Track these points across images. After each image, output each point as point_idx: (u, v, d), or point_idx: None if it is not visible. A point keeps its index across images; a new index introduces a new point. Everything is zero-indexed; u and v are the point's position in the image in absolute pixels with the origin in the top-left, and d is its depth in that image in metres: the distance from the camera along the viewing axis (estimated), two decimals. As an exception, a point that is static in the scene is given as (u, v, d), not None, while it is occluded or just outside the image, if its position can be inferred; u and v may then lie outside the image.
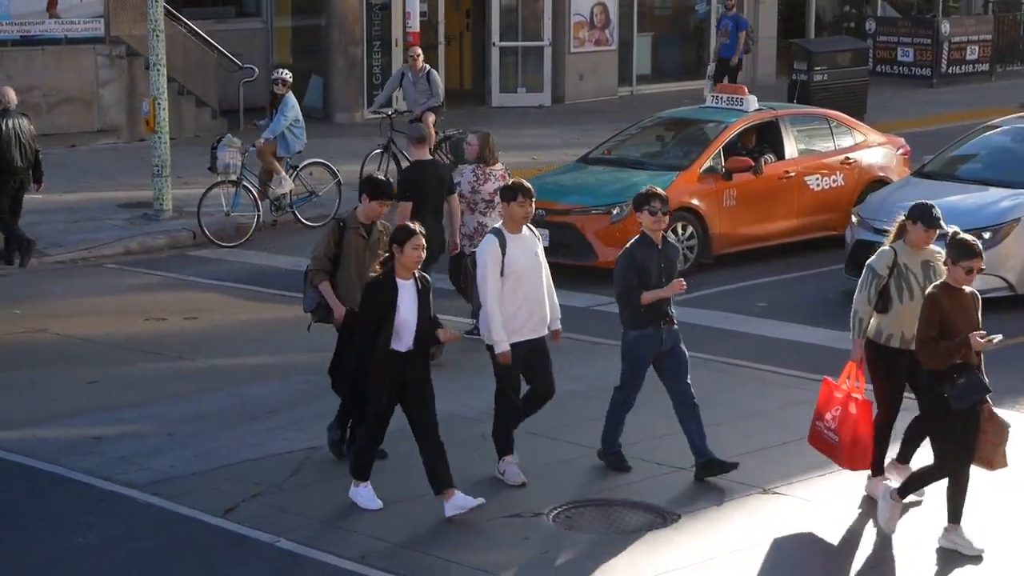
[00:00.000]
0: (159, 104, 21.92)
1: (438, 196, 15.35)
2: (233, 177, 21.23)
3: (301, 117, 21.83)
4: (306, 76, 31.15)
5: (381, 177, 12.84)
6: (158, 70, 21.97)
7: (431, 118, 23.24)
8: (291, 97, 21.75)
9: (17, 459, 12.74)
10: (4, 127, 19.36)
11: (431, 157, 15.94)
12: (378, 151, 23.18)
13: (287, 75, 21.89)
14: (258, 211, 21.41)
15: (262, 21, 31.04)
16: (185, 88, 27.97)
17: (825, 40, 33.00)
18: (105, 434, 13.34)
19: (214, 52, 28.33)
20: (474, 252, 14.16)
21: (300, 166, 22.03)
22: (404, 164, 23.29)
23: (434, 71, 23.70)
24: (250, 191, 21.40)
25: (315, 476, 12.36)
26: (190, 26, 28.02)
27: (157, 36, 21.89)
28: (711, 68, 30.35)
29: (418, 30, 25.45)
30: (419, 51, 23.67)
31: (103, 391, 14.59)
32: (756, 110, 20.09)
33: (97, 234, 21.35)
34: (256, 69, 28.78)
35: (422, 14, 30.72)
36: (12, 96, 19.83)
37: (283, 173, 21.68)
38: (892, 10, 38.39)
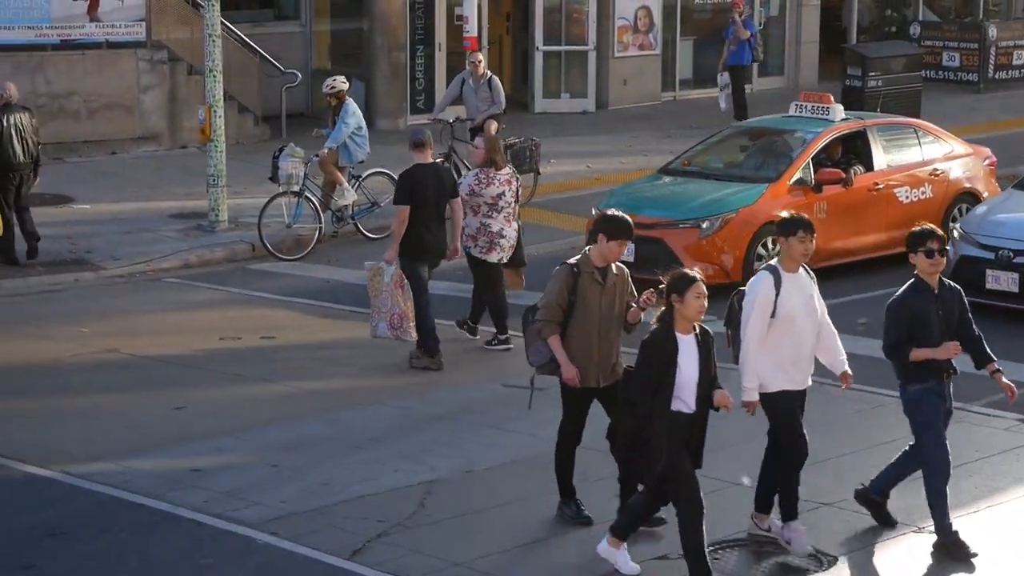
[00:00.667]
0: (215, 111, 21.18)
1: (439, 200, 15.10)
2: (295, 188, 20.49)
3: (364, 125, 21.09)
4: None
5: (618, 214, 11.22)
6: (214, 76, 21.26)
7: (493, 126, 22.50)
8: (352, 104, 21.01)
9: (117, 494, 12.01)
10: (5, 122, 19.02)
11: (431, 161, 15.51)
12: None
13: (341, 82, 21.08)
14: (320, 223, 20.67)
15: (300, 24, 30.25)
16: (227, 93, 27.13)
17: (879, 45, 32.25)
18: (204, 465, 12.62)
19: (256, 56, 27.55)
20: (478, 253, 15.48)
21: (363, 176, 21.28)
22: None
23: (496, 77, 22.94)
24: (312, 202, 20.66)
25: (440, 513, 11.61)
26: (232, 29, 27.22)
27: (213, 41, 21.17)
28: (722, 78, 28.83)
29: (476, 34, 24.65)
30: (480, 56, 22.91)
31: (192, 417, 13.86)
32: (843, 119, 19.38)
33: (153, 246, 20.59)
34: (299, 74, 28.04)
35: (463, 17, 30.06)
36: (13, 90, 19.54)
37: (346, 184, 20.94)
38: (931, 14, 37.66)
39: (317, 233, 20.64)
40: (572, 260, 11.21)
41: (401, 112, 29.12)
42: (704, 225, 17.82)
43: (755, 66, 31.42)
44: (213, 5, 21.03)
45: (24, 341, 16.48)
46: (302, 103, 29.09)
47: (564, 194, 23.80)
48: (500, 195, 15.67)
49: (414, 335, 15.09)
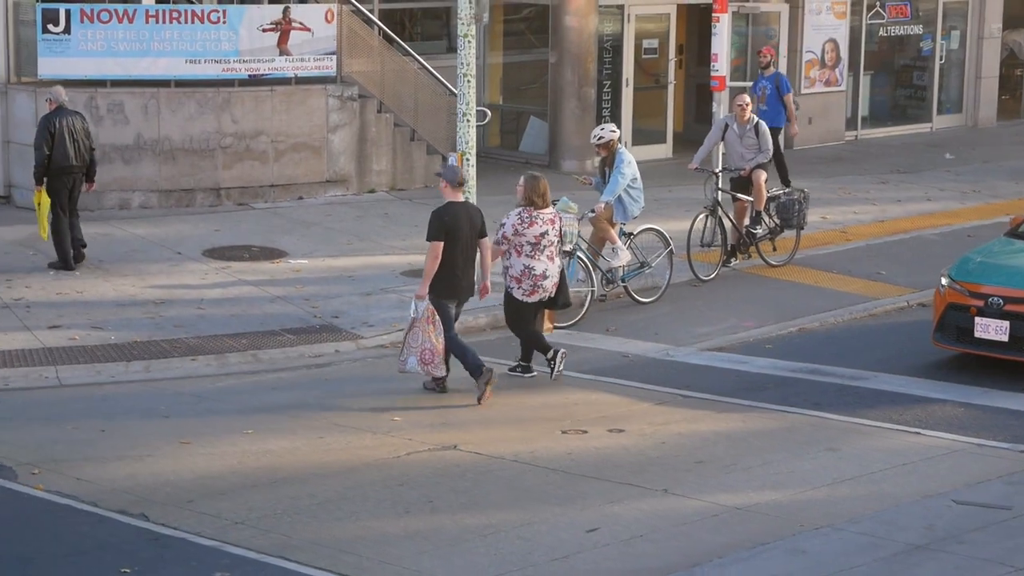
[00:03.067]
0: (467, 159, 18.90)
1: (470, 238, 15.19)
2: (568, 247, 18.21)
3: (639, 176, 18.83)
4: (515, 117, 28.31)
5: None
6: (467, 120, 18.96)
7: (762, 176, 20.30)
8: (626, 153, 18.78)
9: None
10: (57, 124, 19.18)
11: (463, 199, 15.49)
12: (703, 214, 20.14)
13: (611, 131, 18.80)
14: (592, 286, 18.43)
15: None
16: (415, 133, 24.95)
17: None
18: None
19: (446, 92, 25.29)
20: (521, 295, 15.52)
21: (635, 233, 19.03)
22: (731, 229, 20.40)
23: (762, 123, 20.69)
24: (584, 263, 18.41)
25: None
26: (423, 64, 24.99)
27: (468, 82, 18.89)
28: None
29: (724, 73, 22.42)
30: (747, 99, 20.66)
31: (615, 543, 11.53)
32: None
33: (404, 310, 18.27)
34: (488, 112, 25.67)
35: (651, 51, 27.95)
36: (64, 95, 19.66)
37: (619, 242, 18.69)
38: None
39: (589, 297, 18.40)
40: None
41: (589, 152, 26.82)
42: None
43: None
44: (469, 41, 18.73)
45: (339, 433, 14.19)
46: (481, 142, 26.80)
47: (818, 250, 21.62)
48: (543, 234, 15.65)
49: (444, 371, 15.13)
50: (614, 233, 18.65)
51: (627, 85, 27.50)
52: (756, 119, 20.61)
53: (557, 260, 15.82)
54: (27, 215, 22.35)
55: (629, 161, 18.63)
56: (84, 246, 19.79)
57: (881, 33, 31.16)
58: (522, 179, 15.97)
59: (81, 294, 18.69)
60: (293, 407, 15.04)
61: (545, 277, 15.67)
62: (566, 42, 26.50)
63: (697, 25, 29.21)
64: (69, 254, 19.54)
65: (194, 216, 22.62)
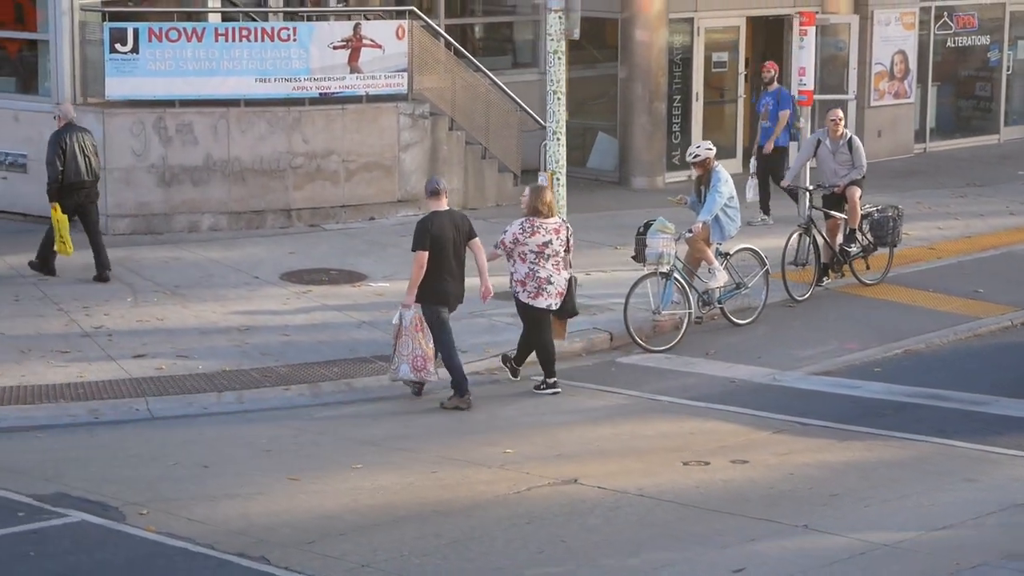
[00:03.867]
0: (557, 179, 18.39)
1: (457, 245, 15.39)
2: (665, 268, 17.71)
3: (735, 194, 18.29)
4: (581, 133, 27.77)
5: None
6: (558, 139, 18.45)
7: (857, 193, 19.74)
8: (723, 171, 18.25)
9: None
10: (67, 140, 19.26)
11: (447, 208, 15.55)
12: (796, 232, 19.60)
13: (707, 149, 18.28)
14: (689, 308, 17.89)
15: (539, 73, 27.43)
16: (486, 151, 24.45)
17: None
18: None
19: (516, 108, 24.80)
20: (527, 298, 15.76)
21: (731, 253, 18.49)
22: (824, 247, 19.85)
23: (856, 138, 20.15)
24: (681, 284, 17.88)
25: None
26: (494, 80, 24.49)
27: (558, 99, 18.37)
28: (753, 163, 23.09)
29: (812, 88, 21.86)
30: (840, 114, 20.11)
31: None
32: None
33: (498, 336, 17.85)
34: (559, 128, 25.21)
35: (719, 64, 27.42)
36: (72, 111, 19.91)
37: (716, 263, 18.15)
38: None
39: (686, 319, 17.86)
40: None
41: (660, 170, 26.39)
42: None
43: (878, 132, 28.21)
44: (559, 58, 18.21)
45: (452, 467, 13.65)
46: (533, 158, 26.20)
47: (908, 267, 21.05)
48: (547, 243, 15.71)
49: (435, 376, 15.45)
50: (711, 253, 18.11)
51: (697, 99, 26.98)
52: (849, 134, 20.06)
53: (564, 272, 15.85)
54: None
55: (726, 179, 18.10)
56: (108, 268, 19.66)
57: (948, 44, 30.59)
58: (527, 189, 16.13)
59: (162, 321, 18.20)
60: (398, 439, 14.53)
61: (549, 282, 15.77)
62: (636, 56, 25.99)
63: (763, 38, 28.66)
64: (51, 258, 19.55)
65: (266, 238, 22.13)
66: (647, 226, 17.77)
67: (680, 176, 26.55)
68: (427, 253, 15.20)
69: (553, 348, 16.05)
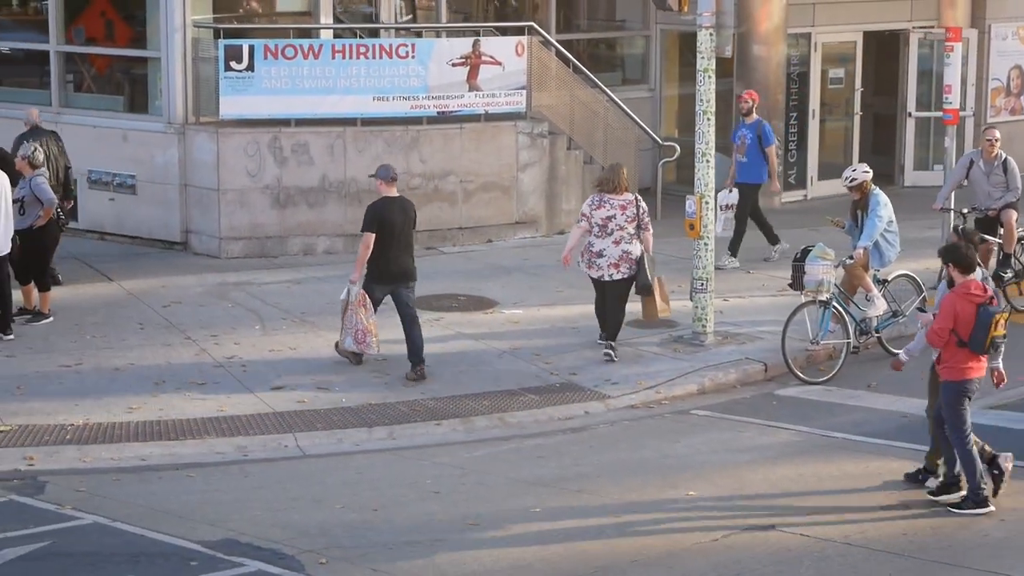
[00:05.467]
0: (706, 203, 17.62)
1: (404, 230, 16.32)
2: (824, 296, 16.92)
3: (894, 218, 17.48)
4: (692, 151, 26.93)
5: None
6: (706, 160, 17.72)
7: (1013, 216, 18.93)
8: (881, 194, 17.44)
9: None
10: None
11: (398, 195, 16.48)
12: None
13: (863, 172, 17.44)
14: (847, 337, 17.09)
15: (649, 89, 26.81)
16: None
17: None
18: None
19: (633, 126, 24.06)
20: (584, 267, 17.00)
21: (889, 279, 17.69)
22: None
23: (1011, 159, 19.32)
24: (839, 312, 17.08)
25: None
26: (612, 98, 23.74)
27: (708, 119, 17.68)
28: (724, 195, 20.69)
29: (958, 106, 21.05)
30: (997, 134, 19.29)
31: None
32: None
33: (648, 367, 17.09)
34: (678, 147, 24.52)
35: (836, 80, 26.64)
36: (36, 116, 19.76)
37: (875, 290, 17.35)
38: None
39: (845, 350, 17.07)
40: None
41: (778, 189, 25.53)
42: None
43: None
44: (709, 76, 17.47)
45: (636, 512, 12.87)
46: (649, 177, 25.46)
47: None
48: (610, 217, 16.63)
49: (376, 350, 16.44)
50: (869, 280, 17.31)
51: (813, 117, 26.19)
52: (1004, 155, 19.23)
53: (624, 245, 16.61)
54: (210, 262, 21.30)
55: (885, 203, 17.30)
56: (59, 283, 19.21)
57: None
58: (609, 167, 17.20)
59: (295, 350, 17.49)
60: (571, 479, 13.77)
61: (600, 255, 16.68)
62: (754, 72, 25.20)
63: (874, 53, 27.86)
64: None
65: (384, 262, 21.38)
66: (805, 252, 16.98)
67: (796, 196, 25.77)
68: (374, 235, 16.07)
69: (616, 317, 17.01)
